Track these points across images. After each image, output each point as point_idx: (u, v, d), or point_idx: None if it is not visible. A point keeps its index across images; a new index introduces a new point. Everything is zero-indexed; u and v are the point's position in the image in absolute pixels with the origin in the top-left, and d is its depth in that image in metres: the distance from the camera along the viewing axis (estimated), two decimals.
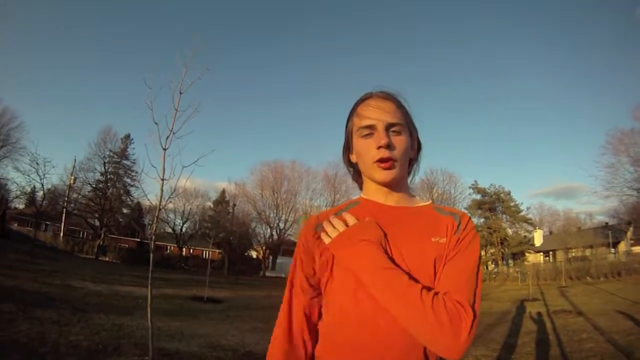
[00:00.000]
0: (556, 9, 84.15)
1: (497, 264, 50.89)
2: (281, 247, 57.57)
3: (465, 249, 1.22)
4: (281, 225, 56.08)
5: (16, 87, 73.69)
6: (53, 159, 39.28)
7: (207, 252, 52.05)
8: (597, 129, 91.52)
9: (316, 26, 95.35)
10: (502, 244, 51.01)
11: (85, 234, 48.72)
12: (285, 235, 56.81)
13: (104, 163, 46.46)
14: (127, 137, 49.58)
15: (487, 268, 49.75)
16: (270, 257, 55.71)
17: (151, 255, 5.43)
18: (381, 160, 1.22)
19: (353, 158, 1.36)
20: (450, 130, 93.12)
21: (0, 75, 69.67)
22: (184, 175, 5.50)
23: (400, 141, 1.25)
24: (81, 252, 38.39)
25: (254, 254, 58.66)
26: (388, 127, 1.24)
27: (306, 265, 1.28)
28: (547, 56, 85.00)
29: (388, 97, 1.30)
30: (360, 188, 1.40)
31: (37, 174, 26.88)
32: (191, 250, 54.79)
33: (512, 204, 52.91)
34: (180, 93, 5.38)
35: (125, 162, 49.34)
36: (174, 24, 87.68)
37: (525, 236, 53.33)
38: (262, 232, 55.61)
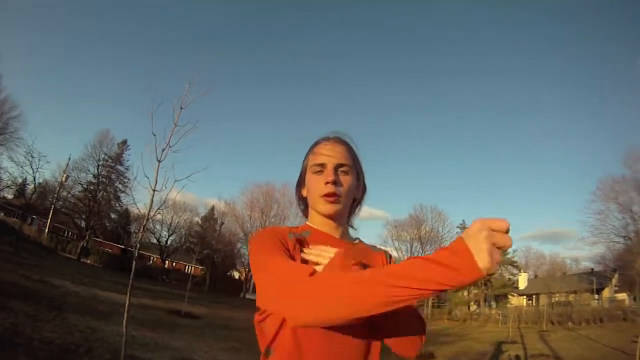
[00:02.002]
0: (551, 53, 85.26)
1: (479, 305, 50.59)
2: None
3: None
4: None
5: (20, 77, 73.57)
6: (48, 154, 39.26)
7: (190, 268, 51.90)
8: (586, 176, 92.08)
9: (315, 47, 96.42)
10: (485, 285, 50.81)
11: (71, 233, 48.11)
12: None
13: (98, 166, 46.17)
14: (124, 143, 49.46)
15: (469, 309, 49.62)
16: (253, 280, 54.73)
17: (134, 263, 5.43)
18: (327, 195, 1.36)
19: (304, 193, 1.50)
20: (441, 168, 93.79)
21: (7, 65, 70.09)
22: (175, 188, 5.53)
23: (346, 180, 1.41)
24: (64, 251, 37.90)
25: (236, 275, 58.36)
26: (337, 167, 1.40)
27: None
28: (539, 98, 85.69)
29: (341, 142, 1.48)
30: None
31: (31, 167, 26.89)
32: (174, 264, 54.34)
33: None
34: (182, 108, 5.46)
35: (119, 167, 49.09)
36: (181, 37, 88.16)
37: (509, 279, 53.05)
38: (247, 253, 55.29)
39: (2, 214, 44.29)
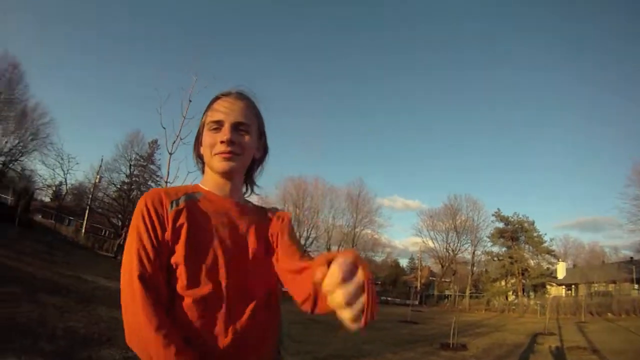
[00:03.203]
0: (585, 32, 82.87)
1: (517, 295, 49.47)
2: None
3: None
4: (302, 241, 55.85)
5: (50, 84, 76.07)
6: (78, 156, 40.82)
7: None
8: (624, 160, 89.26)
9: (344, 41, 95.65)
10: (522, 274, 49.72)
11: (107, 232, 49.23)
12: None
13: (130, 165, 47.00)
14: (155, 142, 49.66)
15: (506, 299, 48.82)
16: None
17: None
18: (222, 153, 1.30)
19: (202, 150, 1.40)
20: (475, 157, 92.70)
21: (35, 71, 72.50)
22: (190, 180, 5.47)
23: (244, 140, 1.34)
24: (101, 249, 38.80)
25: None
26: (235, 125, 1.33)
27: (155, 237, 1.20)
28: (573, 85, 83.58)
29: (242, 97, 1.41)
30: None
31: (62, 169, 27.74)
32: None
33: (535, 234, 51.21)
34: (190, 101, 5.44)
35: (151, 166, 49.81)
36: (192, 31, 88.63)
37: (547, 268, 51.36)
38: None
39: (40, 216, 45.68)
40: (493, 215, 54.10)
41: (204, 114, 1.41)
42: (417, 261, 65.61)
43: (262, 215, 1.43)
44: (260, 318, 1.25)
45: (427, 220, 60.14)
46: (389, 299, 54.24)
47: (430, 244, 59.40)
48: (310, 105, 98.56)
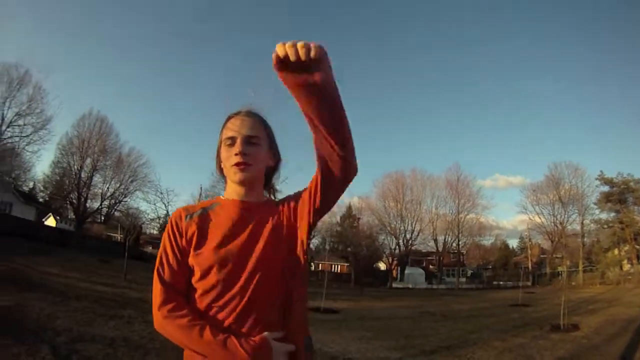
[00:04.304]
0: None
1: (632, 264, 45.29)
2: (409, 257, 57.69)
3: None
4: (407, 235, 56.24)
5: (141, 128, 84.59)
6: (176, 188, 44.29)
7: (336, 266, 55.19)
8: None
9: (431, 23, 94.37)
10: (635, 240, 45.58)
11: None
12: (413, 246, 56.95)
13: None
14: None
15: (621, 269, 45.39)
16: (398, 268, 55.71)
17: None
18: (237, 165, 1.51)
19: (222, 165, 1.61)
20: (572, 118, 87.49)
21: (126, 119, 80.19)
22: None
23: (255, 150, 1.54)
24: None
25: (382, 266, 58.39)
26: (246, 138, 1.53)
27: (176, 244, 1.49)
28: None
29: (251, 114, 1.60)
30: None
31: (162, 203, 30.14)
32: (320, 265, 55.97)
33: None
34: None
35: None
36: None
37: None
38: (388, 243, 55.91)
39: (150, 248, 50.17)
40: (597, 179, 50.53)
41: (220, 132, 1.61)
42: (526, 240, 63.26)
43: (271, 209, 1.59)
44: (261, 300, 1.41)
45: (530, 195, 57.28)
46: (501, 283, 52.71)
47: (537, 219, 56.48)
48: (398, 97, 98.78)
